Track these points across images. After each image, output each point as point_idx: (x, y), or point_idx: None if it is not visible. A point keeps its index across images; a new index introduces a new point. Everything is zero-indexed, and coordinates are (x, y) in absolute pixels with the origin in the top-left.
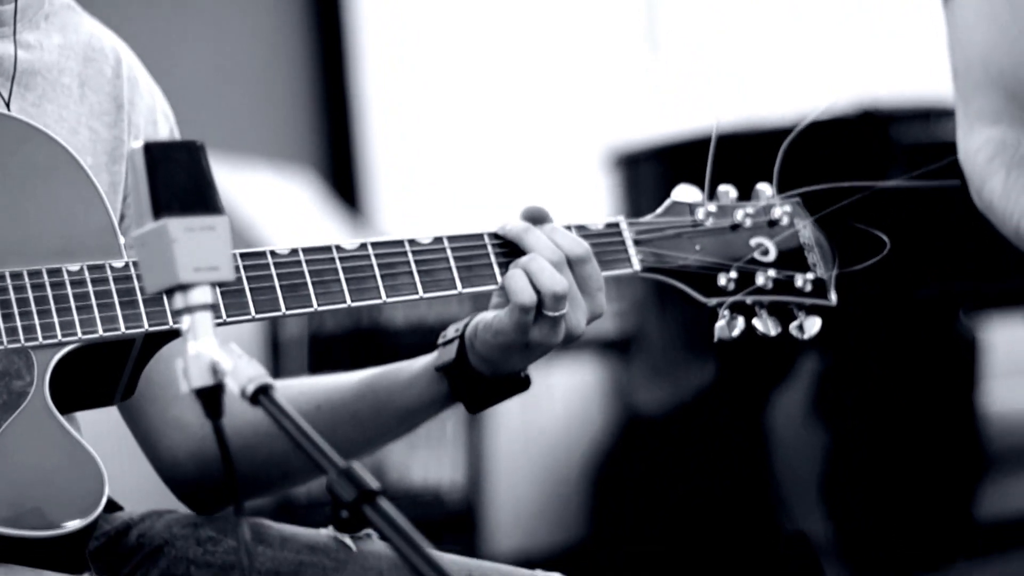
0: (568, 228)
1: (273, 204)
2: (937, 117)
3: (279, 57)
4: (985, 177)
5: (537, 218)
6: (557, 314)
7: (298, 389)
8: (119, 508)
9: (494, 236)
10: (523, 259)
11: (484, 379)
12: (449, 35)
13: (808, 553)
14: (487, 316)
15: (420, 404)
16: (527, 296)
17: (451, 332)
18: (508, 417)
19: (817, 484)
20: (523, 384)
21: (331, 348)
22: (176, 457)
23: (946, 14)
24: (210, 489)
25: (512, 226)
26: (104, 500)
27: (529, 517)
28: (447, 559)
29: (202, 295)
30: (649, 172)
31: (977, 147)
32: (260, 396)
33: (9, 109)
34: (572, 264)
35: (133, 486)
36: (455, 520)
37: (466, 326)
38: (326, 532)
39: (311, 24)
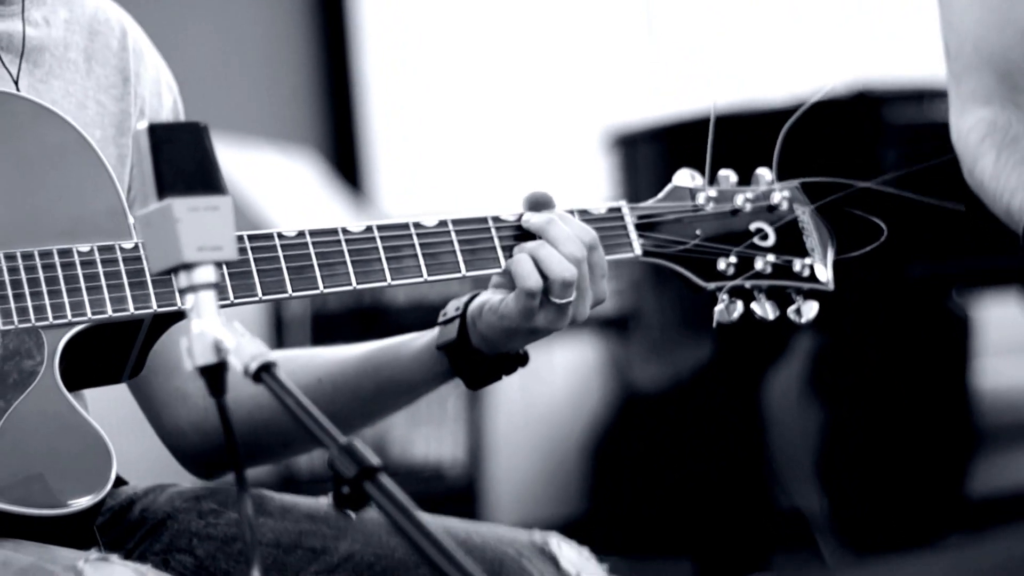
0: (571, 213)
1: (276, 184)
2: (930, 99)
3: (282, 39)
4: (977, 157)
5: (541, 203)
6: (564, 301)
7: (299, 362)
8: (124, 482)
9: (497, 220)
10: (530, 244)
11: (485, 357)
12: (450, 18)
13: (803, 528)
14: (493, 299)
15: (421, 380)
16: (533, 281)
17: (451, 311)
18: (508, 394)
19: (812, 461)
20: (522, 360)
21: (334, 326)
22: (180, 428)
23: None
24: (213, 457)
25: (535, 219)
26: (112, 479)
27: (529, 492)
28: (446, 522)
29: (206, 274)
30: (647, 153)
31: (969, 127)
32: (262, 374)
33: (18, 86)
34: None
35: (137, 459)
36: (456, 495)
37: (467, 305)
38: (326, 500)
39: (314, 7)
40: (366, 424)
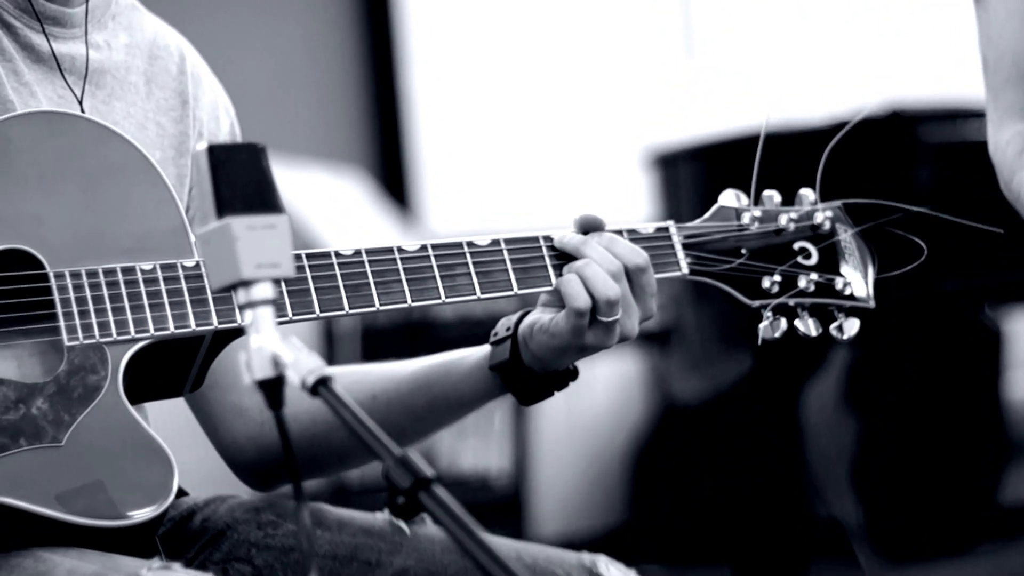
0: (619, 232)
1: (326, 203)
2: (963, 118)
3: (331, 62)
4: (1015, 169)
5: (592, 226)
6: (611, 319)
7: (353, 378)
8: (184, 493)
9: (548, 239)
10: (578, 264)
11: (536, 375)
12: (494, 40)
13: (839, 537)
14: (543, 318)
15: (472, 397)
16: (582, 301)
17: (502, 331)
18: (552, 407)
19: (848, 471)
20: (572, 375)
21: (383, 341)
22: (237, 442)
23: (977, 11)
24: (269, 470)
25: (569, 238)
26: (174, 491)
27: (572, 501)
28: (495, 541)
29: (264, 291)
30: (687, 171)
31: (1007, 140)
32: (319, 387)
33: (82, 107)
34: (630, 273)
35: (196, 471)
36: (502, 505)
37: (517, 324)
38: (382, 516)
39: (362, 31)
40: (418, 439)
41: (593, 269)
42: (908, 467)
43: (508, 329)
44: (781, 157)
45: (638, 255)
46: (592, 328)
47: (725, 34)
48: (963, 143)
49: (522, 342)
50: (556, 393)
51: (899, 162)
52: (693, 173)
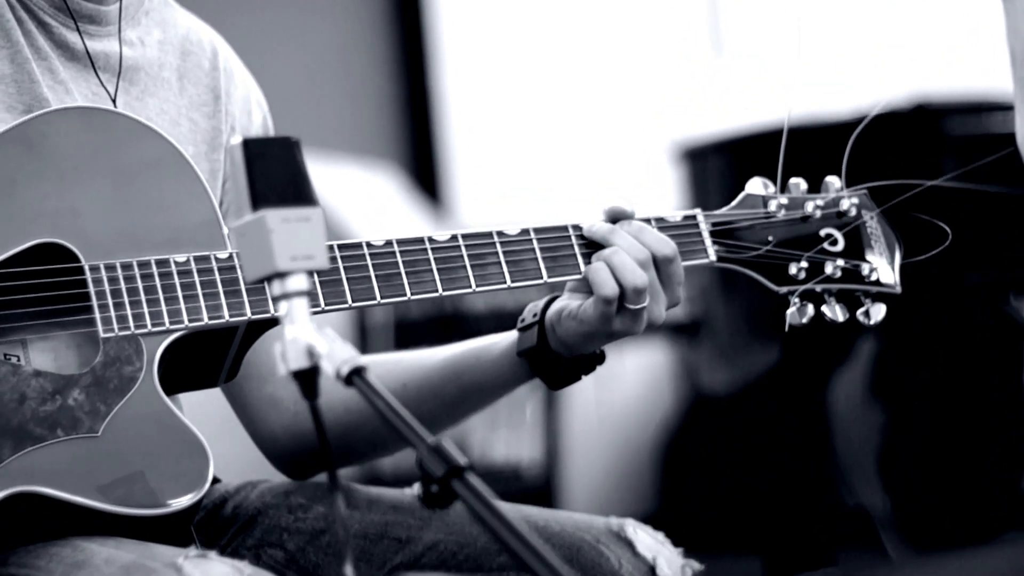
0: (647, 221)
1: (359, 198)
2: (988, 111)
3: (364, 59)
4: None
5: (621, 216)
6: (638, 307)
7: (384, 367)
8: (216, 480)
9: (577, 228)
10: (606, 252)
11: (564, 359)
12: (524, 36)
13: (867, 525)
14: (571, 305)
15: (501, 383)
16: (610, 288)
17: (529, 316)
18: (583, 397)
19: (874, 460)
20: (599, 359)
21: (416, 333)
22: (272, 431)
23: (1005, 4)
24: (304, 459)
25: (598, 227)
26: (209, 479)
27: (602, 491)
28: (525, 510)
29: (298, 282)
30: (715, 165)
31: None
32: (354, 377)
33: (115, 104)
34: (658, 262)
35: (227, 457)
36: (534, 494)
37: (544, 310)
38: (410, 492)
39: (394, 27)
40: (449, 426)
41: (621, 257)
42: (934, 456)
43: (535, 315)
44: (807, 151)
45: (666, 245)
46: (619, 315)
47: (752, 28)
48: (988, 135)
49: (549, 328)
50: (584, 377)
51: (924, 155)
52: (721, 167)
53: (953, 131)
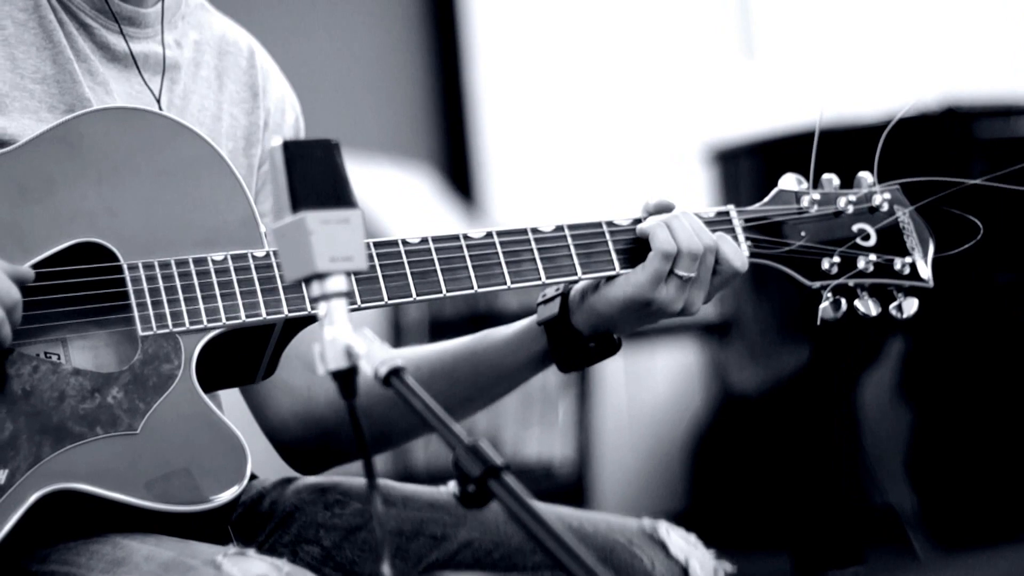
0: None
1: (394, 197)
2: (1017, 114)
3: (399, 61)
4: None
5: (664, 208)
6: (687, 275)
7: (403, 357)
8: (253, 477)
9: (611, 224)
10: (665, 216)
11: (581, 337)
12: (558, 37)
13: (895, 524)
14: (616, 281)
15: (515, 363)
16: (670, 245)
17: (551, 291)
18: (615, 396)
19: (903, 459)
20: (616, 346)
21: (451, 332)
22: (283, 418)
23: None
24: (314, 449)
25: (649, 222)
26: (248, 474)
27: (633, 489)
28: (560, 511)
29: (337, 283)
30: (746, 167)
31: None
32: (392, 378)
33: (160, 104)
34: (707, 252)
35: (263, 454)
36: (566, 492)
37: (568, 287)
38: (445, 489)
39: (429, 30)
40: (467, 411)
41: (680, 222)
42: (962, 456)
43: (557, 290)
44: (839, 152)
45: (708, 236)
46: (667, 283)
47: (783, 31)
48: (1018, 138)
49: (573, 303)
50: (597, 365)
51: (954, 157)
52: (752, 168)
53: (982, 134)
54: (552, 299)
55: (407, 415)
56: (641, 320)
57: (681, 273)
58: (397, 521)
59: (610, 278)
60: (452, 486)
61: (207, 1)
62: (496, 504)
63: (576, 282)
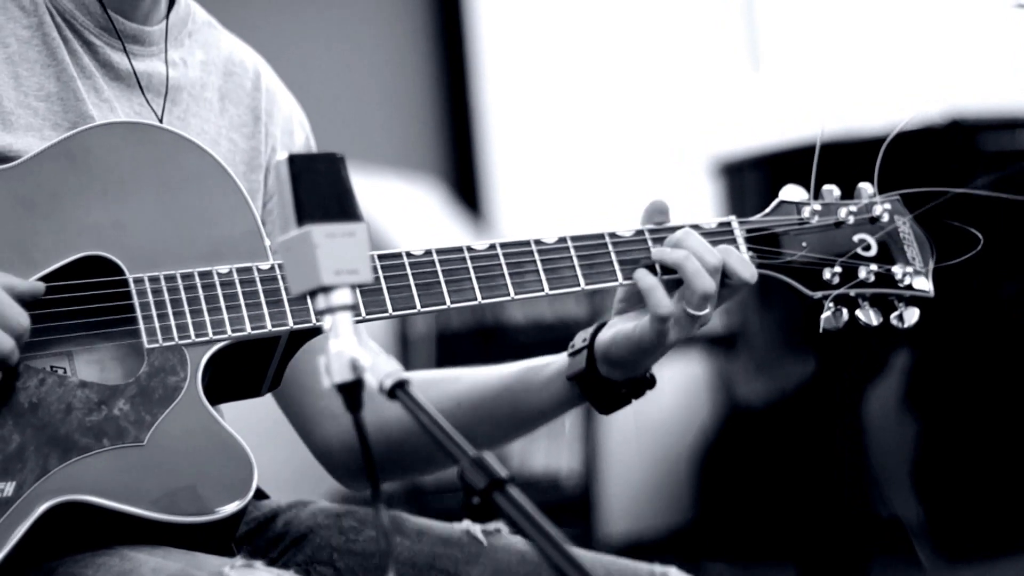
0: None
1: (400, 210)
2: (1022, 127)
3: (406, 74)
4: None
5: (659, 210)
6: (702, 313)
7: (440, 386)
8: (265, 496)
9: (614, 235)
10: (674, 256)
11: (613, 383)
12: (564, 50)
13: (901, 535)
14: (624, 327)
15: (552, 406)
16: (665, 308)
17: (579, 342)
18: (621, 410)
19: (908, 471)
20: (650, 383)
21: (457, 344)
22: (329, 443)
23: None
24: (360, 471)
25: (671, 256)
26: (254, 486)
27: (640, 501)
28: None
29: (343, 296)
30: (751, 180)
31: None
32: (397, 391)
33: (161, 123)
34: (725, 270)
35: (278, 476)
36: (572, 505)
37: (593, 336)
38: (459, 526)
39: (435, 43)
40: (500, 445)
41: (694, 264)
42: (968, 467)
43: (584, 340)
44: (843, 165)
45: (715, 255)
46: (676, 325)
47: (789, 45)
48: (1021, 151)
49: (600, 354)
50: (634, 400)
51: (959, 170)
52: (758, 181)
53: (987, 146)
54: (579, 351)
55: (425, 440)
56: (664, 353)
57: (693, 312)
58: (410, 553)
59: (625, 334)
60: (466, 523)
61: (214, 19)
62: (509, 543)
63: (580, 293)
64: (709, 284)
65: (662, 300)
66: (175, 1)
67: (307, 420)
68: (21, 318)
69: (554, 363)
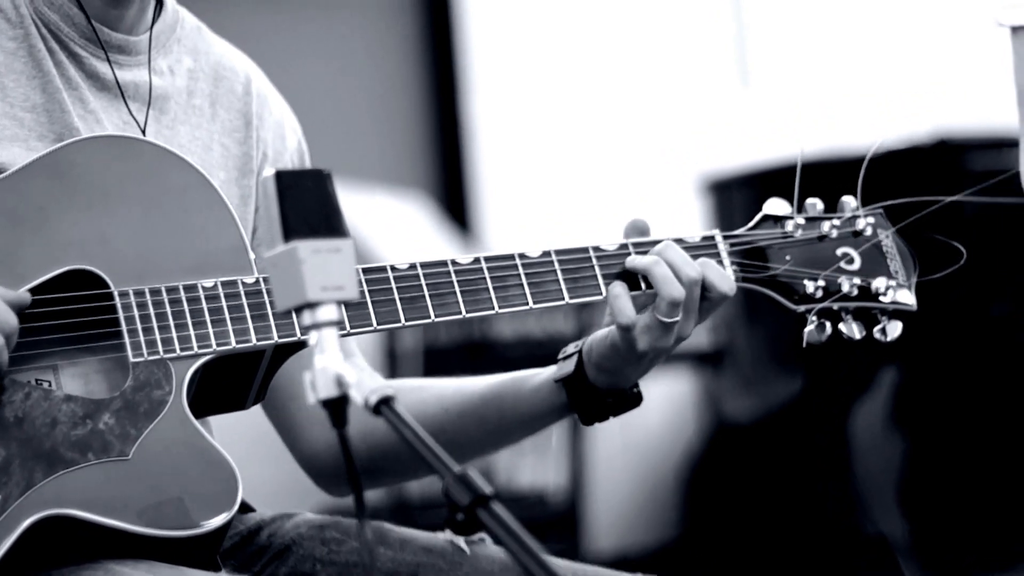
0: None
1: (389, 225)
2: (1009, 146)
3: (394, 89)
4: None
5: (641, 229)
6: (671, 320)
7: (429, 392)
8: (251, 509)
9: (597, 249)
10: (643, 263)
11: (599, 392)
12: (553, 66)
13: (887, 553)
14: (604, 331)
15: (539, 412)
16: (627, 317)
17: (571, 348)
18: (608, 426)
19: (895, 488)
20: (635, 400)
21: (444, 359)
22: (315, 449)
23: (1013, 42)
24: (345, 477)
25: (641, 260)
26: (239, 500)
27: (627, 518)
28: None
29: (328, 312)
30: (740, 197)
31: None
32: (381, 407)
33: (144, 134)
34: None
35: (263, 489)
36: (559, 521)
37: (584, 343)
38: (442, 536)
39: (425, 58)
40: (487, 452)
41: (663, 269)
42: (954, 485)
43: (576, 347)
44: (831, 182)
45: (695, 268)
46: (647, 332)
47: (778, 63)
48: (1008, 170)
49: (587, 359)
50: (614, 418)
51: (946, 189)
52: (746, 199)
53: (974, 166)
54: (570, 356)
55: (408, 452)
56: (642, 364)
57: (662, 319)
58: (393, 563)
59: (602, 336)
60: (448, 532)
61: (204, 24)
62: (492, 553)
63: (564, 306)
64: (678, 290)
65: (623, 309)
66: (162, 10)
67: (294, 426)
68: (9, 318)
69: (544, 372)
